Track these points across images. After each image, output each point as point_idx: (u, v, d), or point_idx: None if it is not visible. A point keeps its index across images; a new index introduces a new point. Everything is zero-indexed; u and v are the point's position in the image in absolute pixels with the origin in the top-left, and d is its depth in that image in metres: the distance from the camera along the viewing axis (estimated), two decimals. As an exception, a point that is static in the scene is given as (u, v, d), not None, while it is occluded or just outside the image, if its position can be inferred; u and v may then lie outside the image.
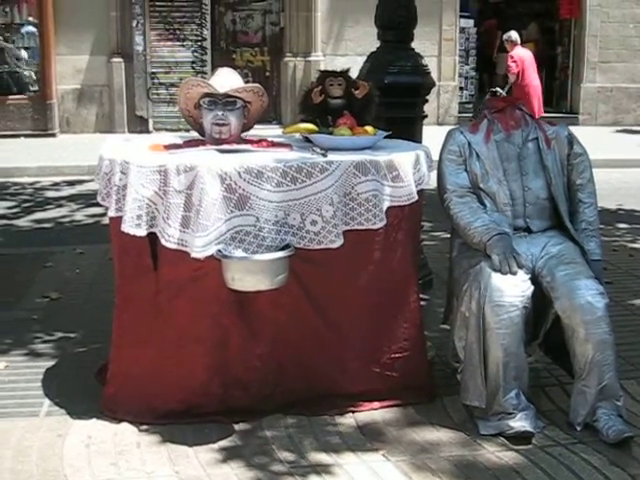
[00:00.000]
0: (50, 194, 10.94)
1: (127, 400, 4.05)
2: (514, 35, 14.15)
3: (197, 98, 4.21)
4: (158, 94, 15.79)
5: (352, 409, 4.12)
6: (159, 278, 3.93)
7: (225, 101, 4.15)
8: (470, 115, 4.98)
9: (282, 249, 3.80)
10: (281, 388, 4.07)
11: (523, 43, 15.71)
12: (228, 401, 4.02)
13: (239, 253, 3.76)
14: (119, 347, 4.11)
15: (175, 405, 4.00)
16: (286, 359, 4.05)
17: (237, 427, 3.98)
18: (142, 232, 3.83)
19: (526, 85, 13.66)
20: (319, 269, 3.96)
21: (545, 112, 14.83)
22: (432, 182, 4.27)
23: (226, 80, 4.21)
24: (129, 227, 3.82)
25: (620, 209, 9.70)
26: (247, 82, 4.42)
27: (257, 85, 4.32)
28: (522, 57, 13.96)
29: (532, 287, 3.99)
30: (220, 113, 4.14)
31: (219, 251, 3.71)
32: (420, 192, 4.15)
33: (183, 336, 3.94)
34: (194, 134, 4.52)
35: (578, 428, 3.96)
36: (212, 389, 4.01)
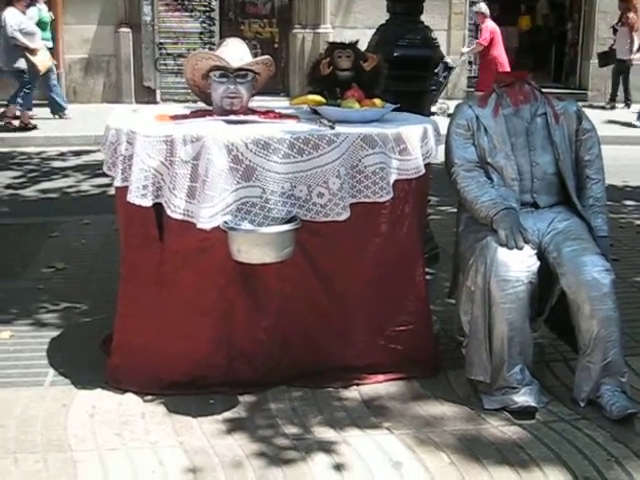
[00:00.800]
0: (56, 164, 10.93)
1: (132, 371, 4.05)
2: (484, 7, 14.25)
3: (206, 69, 4.17)
4: (166, 65, 15.75)
5: (357, 382, 4.13)
6: (164, 249, 3.92)
7: (237, 74, 4.12)
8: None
9: (288, 222, 3.79)
10: (286, 361, 4.07)
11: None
12: (233, 373, 4.03)
13: (245, 225, 3.75)
14: (124, 318, 4.12)
15: (180, 376, 4.01)
16: (291, 332, 4.05)
17: (241, 399, 3.99)
18: (148, 202, 3.82)
19: (494, 57, 13.73)
20: (325, 242, 3.95)
21: (554, 88, 14.80)
22: (440, 156, 4.26)
23: (237, 52, 4.18)
24: (135, 197, 3.81)
25: (627, 186, 9.66)
26: (255, 54, 4.38)
27: (267, 57, 4.30)
28: (494, 29, 14.05)
29: (538, 262, 3.98)
30: (232, 87, 4.11)
31: (225, 223, 3.70)
32: (427, 166, 4.14)
33: (188, 307, 3.95)
34: (201, 105, 4.50)
35: (582, 404, 3.97)
36: (217, 361, 4.02)
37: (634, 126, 14.22)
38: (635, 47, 15.35)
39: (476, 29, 17.41)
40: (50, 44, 13.78)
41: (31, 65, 12.73)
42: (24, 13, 12.77)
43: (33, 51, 12.68)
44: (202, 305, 3.94)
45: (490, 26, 14.06)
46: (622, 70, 15.64)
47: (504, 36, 18.36)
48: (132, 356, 4.07)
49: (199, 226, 3.69)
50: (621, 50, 15.48)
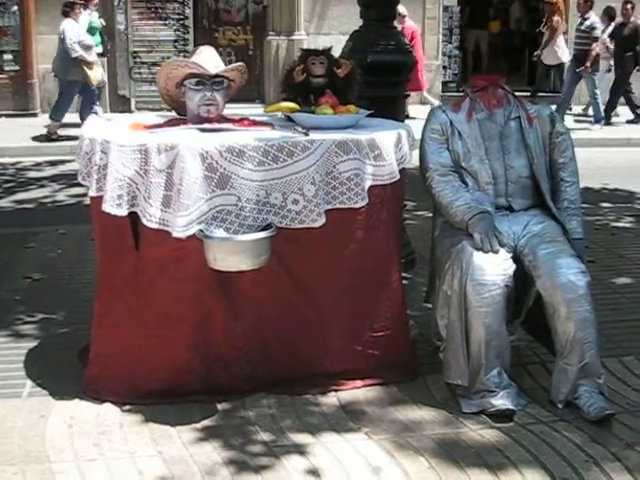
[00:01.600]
0: (32, 174, 10.88)
1: (109, 380, 4.04)
2: (401, 8, 13.81)
3: (181, 77, 4.16)
4: (140, 73, 15.69)
5: (334, 388, 4.13)
6: (140, 258, 3.92)
7: (213, 81, 4.12)
8: (453, 94, 4.97)
9: (264, 229, 3.79)
10: (263, 367, 4.07)
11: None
12: (210, 380, 4.02)
13: (221, 233, 3.75)
14: (101, 327, 4.11)
15: (157, 385, 4.00)
16: (268, 338, 4.05)
17: (219, 407, 3.98)
18: (123, 212, 3.82)
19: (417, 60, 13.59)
20: (301, 248, 3.95)
21: (527, 91, 14.86)
22: (414, 161, 4.27)
23: (212, 60, 4.18)
24: (110, 207, 3.80)
25: (604, 188, 9.72)
26: (230, 61, 4.39)
27: (241, 64, 4.31)
28: (415, 30, 14.07)
29: (514, 266, 4.00)
30: (209, 94, 4.10)
31: (201, 231, 3.70)
32: (402, 171, 4.15)
33: (165, 316, 3.94)
34: (175, 114, 4.50)
35: (560, 406, 3.98)
36: (194, 368, 4.01)
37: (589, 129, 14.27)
38: (563, 53, 15.14)
39: (450, 33, 17.52)
40: (100, 49, 13.82)
41: (85, 77, 12.82)
42: (77, 21, 12.85)
43: (89, 64, 12.73)
44: (179, 313, 3.93)
45: (410, 26, 13.99)
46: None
47: (475, 40, 18.48)
48: (109, 366, 4.06)
49: (175, 235, 3.69)
50: (547, 55, 15.27)
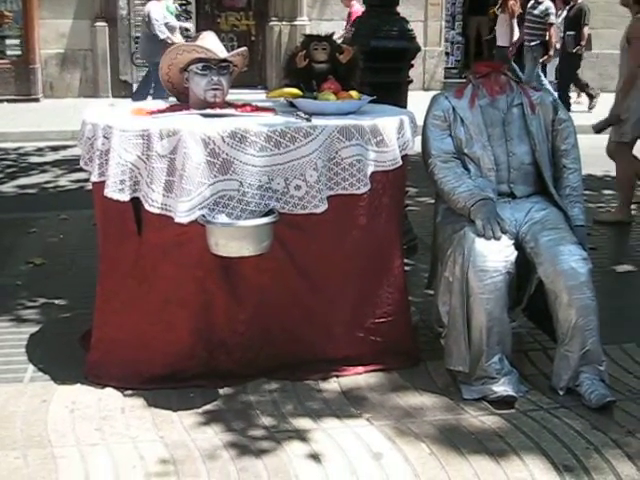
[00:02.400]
0: (34, 159, 10.87)
1: (111, 365, 4.05)
2: None
3: (185, 63, 4.15)
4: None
5: (336, 374, 4.14)
6: (143, 242, 3.91)
7: (219, 66, 4.11)
8: (456, 80, 4.98)
9: (266, 214, 3.79)
10: (265, 353, 4.08)
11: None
12: (212, 365, 4.03)
13: (223, 218, 3.74)
14: (103, 312, 4.11)
15: (159, 370, 4.00)
16: (270, 324, 4.05)
17: (221, 392, 3.99)
18: (125, 197, 3.81)
19: None
20: (303, 234, 3.95)
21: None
22: (417, 147, 4.26)
23: (216, 44, 4.17)
24: (112, 192, 3.80)
25: (607, 175, 9.69)
26: (232, 47, 4.39)
27: (244, 48, 4.31)
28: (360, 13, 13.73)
29: (516, 252, 4.00)
30: (215, 78, 4.09)
31: (203, 216, 3.70)
32: (404, 157, 4.15)
33: (167, 301, 3.94)
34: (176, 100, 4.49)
35: (561, 392, 3.99)
36: (196, 353, 4.01)
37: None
38: (515, 36, 14.66)
39: (453, 20, 17.48)
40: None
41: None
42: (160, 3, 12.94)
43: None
44: (181, 298, 3.93)
45: (358, 10, 13.42)
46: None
47: (476, 26, 18.34)
48: (111, 351, 4.06)
49: (177, 220, 3.69)
50: (501, 37, 14.83)
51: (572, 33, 14.23)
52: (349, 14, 14.14)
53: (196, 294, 3.94)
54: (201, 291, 3.93)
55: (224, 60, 4.12)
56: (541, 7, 14.33)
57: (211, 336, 4.00)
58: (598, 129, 7.51)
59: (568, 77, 14.56)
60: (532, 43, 14.37)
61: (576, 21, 14.21)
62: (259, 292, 4.00)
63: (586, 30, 14.19)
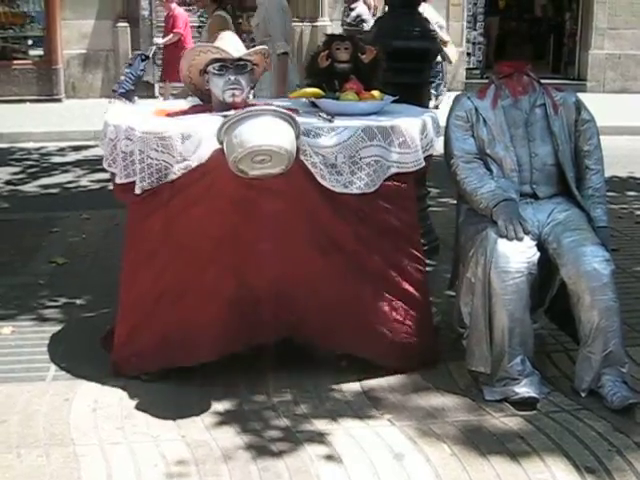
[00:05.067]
0: (56, 159, 10.92)
1: (134, 364, 4.06)
2: None
3: (203, 64, 4.16)
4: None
5: (358, 374, 4.13)
6: (169, 209, 3.90)
7: (236, 65, 4.11)
8: (478, 81, 4.97)
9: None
10: (293, 309, 4.04)
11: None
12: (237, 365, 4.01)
13: None
14: (126, 311, 4.12)
15: (193, 347, 3.98)
16: (292, 324, 4.04)
17: (242, 391, 4.00)
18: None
19: (186, 46, 12.52)
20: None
21: (553, 78, 14.77)
22: (439, 148, 4.26)
23: (234, 44, 4.17)
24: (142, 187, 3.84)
25: (631, 177, 9.64)
26: (253, 47, 4.38)
27: (264, 47, 4.31)
28: (185, 16, 13.50)
29: (538, 253, 3.98)
30: (232, 78, 4.09)
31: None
32: (427, 158, 4.14)
33: (197, 264, 3.92)
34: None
35: (583, 394, 3.97)
36: (222, 352, 4.00)
37: None
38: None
39: (474, 20, 17.44)
40: None
41: (444, 56, 13.36)
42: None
43: (445, 43, 13.16)
44: (208, 289, 3.92)
45: (180, 13, 13.55)
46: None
47: (487, 27, 18.25)
48: (135, 349, 4.06)
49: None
50: None
51: None
52: (168, 16, 13.77)
53: (223, 288, 3.92)
54: (229, 284, 3.91)
55: (241, 59, 4.12)
56: (353, 13, 14.03)
57: (238, 334, 3.97)
58: None
59: None
60: None
61: None
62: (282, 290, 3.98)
63: None
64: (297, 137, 3.66)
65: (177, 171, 3.78)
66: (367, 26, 12.98)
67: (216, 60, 4.11)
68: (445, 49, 13.13)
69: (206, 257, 3.92)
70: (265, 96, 6.76)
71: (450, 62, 13.87)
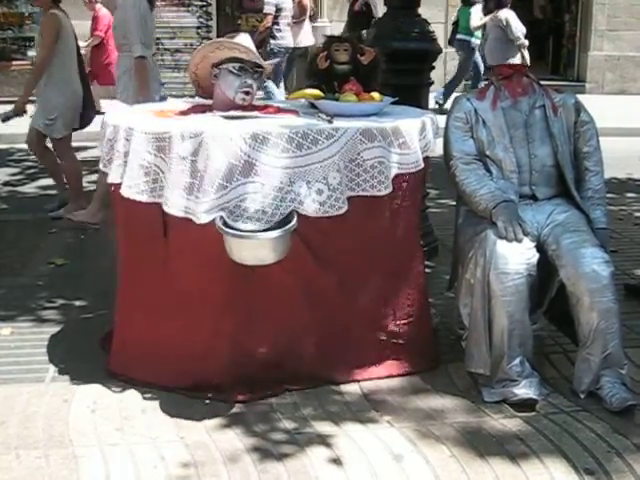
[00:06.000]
0: (55, 160, 10.88)
1: (133, 366, 4.06)
2: None
3: (221, 59, 4.12)
4: (163, 60, 15.66)
5: (357, 376, 4.13)
6: (169, 245, 3.90)
7: (254, 70, 4.11)
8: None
9: (284, 221, 3.74)
10: (288, 355, 4.05)
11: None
12: (235, 369, 4.00)
13: (242, 224, 3.71)
14: (125, 314, 4.13)
15: (182, 373, 3.99)
16: (294, 326, 4.02)
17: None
18: (146, 198, 3.81)
19: (112, 50, 11.96)
20: (324, 235, 3.93)
21: (552, 80, 14.78)
22: (438, 149, 4.26)
23: (253, 48, 4.15)
24: (132, 192, 3.81)
25: (630, 178, 9.64)
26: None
27: (277, 60, 4.30)
28: (109, 18, 12.84)
29: (537, 255, 3.98)
30: (249, 81, 4.09)
31: (221, 218, 3.67)
32: (426, 159, 4.14)
33: (191, 303, 3.93)
34: (199, 100, 4.48)
35: (582, 396, 3.97)
36: (220, 356, 3.99)
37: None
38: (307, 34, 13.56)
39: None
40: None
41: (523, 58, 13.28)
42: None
43: (525, 47, 13.26)
44: (205, 300, 3.92)
45: (103, 15, 13.13)
46: None
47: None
48: (133, 352, 4.07)
49: (196, 221, 3.68)
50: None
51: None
52: (94, 18, 13.44)
53: (219, 296, 3.92)
54: (224, 293, 3.92)
55: (259, 66, 4.12)
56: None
57: (234, 338, 3.98)
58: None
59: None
60: None
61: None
62: (281, 294, 3.98)
63: None
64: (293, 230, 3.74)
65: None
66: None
67: (236, 59, 4.09)
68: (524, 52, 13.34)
69: (197, 317, 3.97)
70: (128, 100, 6.75)
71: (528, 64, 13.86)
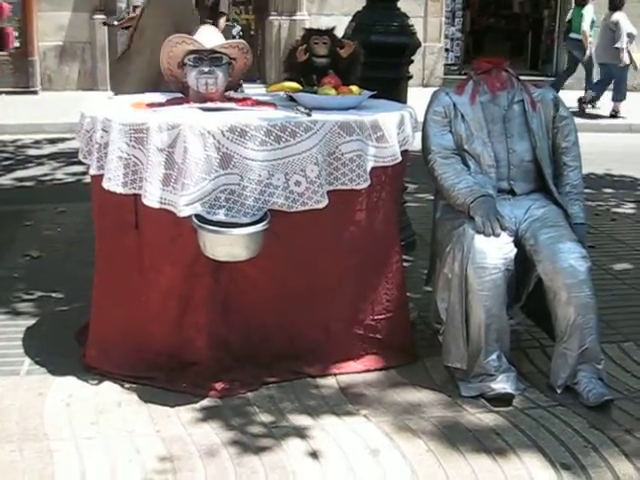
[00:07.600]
0: (31, 152, 10.84)
1: (108, 359, 4.04)
2: None
3: (181, 56, 4.14)
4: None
5: (334, 370, 4.12)
6: (141, 236, 3.89)
7: (211, 57, 4.10)
8: (456, 77, 4.97)
9: (260, 219, 3.74)
10: (264, 349, 4.05)
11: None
12: (210, 361, 4.00)
13: (221, 216, 3.70)
14: (100, 307, 4.10)
15: (157, 365, 3.98)
16: (268, 321, 4.03)
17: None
18: (124, 190, 3.79)
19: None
20: (301, 230, 3.92)
21: (530, 75, 14.81)
22: (417, 143, 4.25)
23: (210, 37, 4.16)
24: (111, 185, 3.78)
25: (607, 174, 9.69)
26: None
27: (242, 41, 4.27)
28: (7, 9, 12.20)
29: (515, 250, 3.99)
30: (205, 68, 4.08)
31: (196, 216, 3.66)
32: (404, 153, 4.13)
33: (165, 296, 3.92)
34: (176, 93, 4.46)
35: (558, 391, 3.98)
36: (196, 348, 3.98)
37: None
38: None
39: (453, 16, 17.46)
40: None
41: (630, 61, 13.74)
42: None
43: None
44: (178, 293, 3.92)
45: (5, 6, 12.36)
46: None
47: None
48: (109, 344, 4.05)
49: (178, 214, 3.66)
50: None
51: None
52: None
53: (193, 289, 3.91)
54: (199, 286, 3.91)
55: (215, 51, 4.10)
56: None
57: (210, 331, 3.98)
58: None
59: None
60: None
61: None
62: (256, 288, 3.97)
63: None
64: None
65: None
66: None
67: (192, 52, 4.09)
68: (633, 55, 13.71)
69: (172, 310, 3.97)
70: None
71: (636, 68, 14.00)
